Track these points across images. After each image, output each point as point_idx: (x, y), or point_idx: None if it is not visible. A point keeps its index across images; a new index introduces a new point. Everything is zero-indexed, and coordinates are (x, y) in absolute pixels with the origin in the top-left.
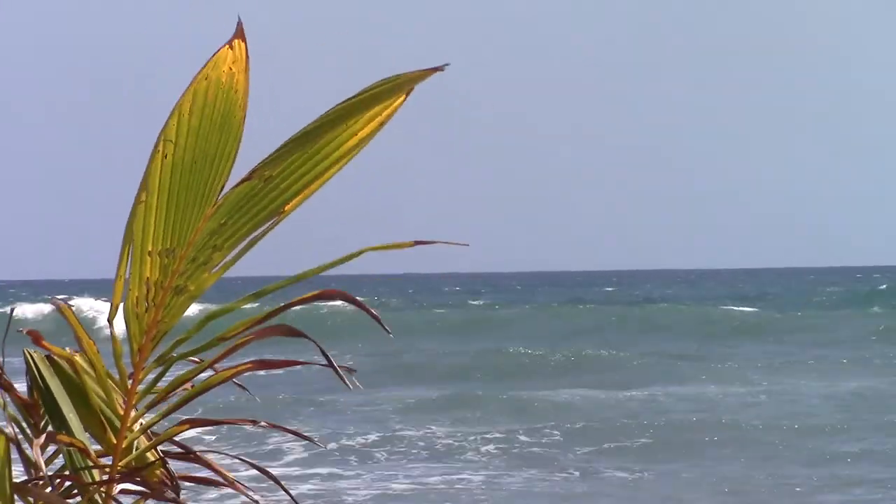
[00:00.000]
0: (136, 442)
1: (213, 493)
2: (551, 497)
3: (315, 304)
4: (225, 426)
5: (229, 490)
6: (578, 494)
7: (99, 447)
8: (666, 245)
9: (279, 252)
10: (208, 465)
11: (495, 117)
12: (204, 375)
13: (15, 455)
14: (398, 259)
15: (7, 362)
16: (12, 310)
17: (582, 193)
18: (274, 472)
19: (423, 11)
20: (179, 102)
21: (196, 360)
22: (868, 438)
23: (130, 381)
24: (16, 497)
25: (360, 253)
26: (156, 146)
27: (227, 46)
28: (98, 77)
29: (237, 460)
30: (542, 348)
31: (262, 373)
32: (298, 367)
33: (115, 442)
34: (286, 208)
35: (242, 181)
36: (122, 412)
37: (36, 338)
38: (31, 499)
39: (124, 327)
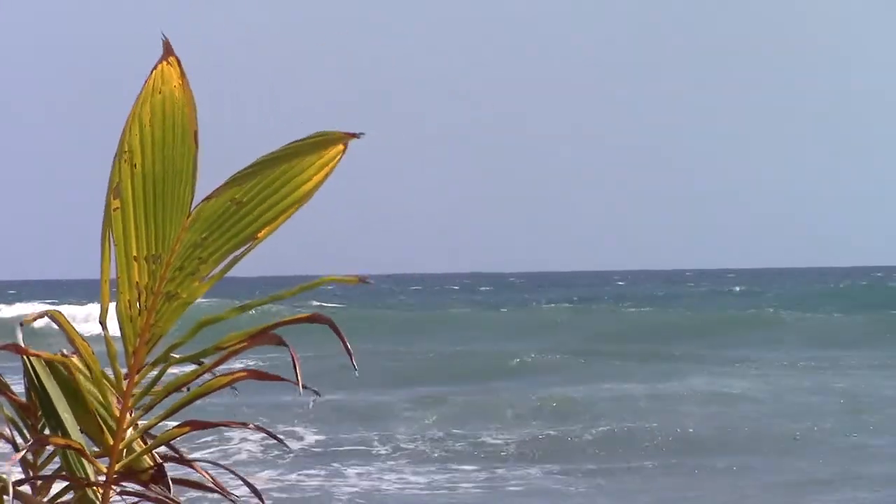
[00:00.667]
0: (133, 444)
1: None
2: (551, 497)
3: (315, 304)
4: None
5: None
6: (578, 494)
7: (97, 449)
8: (666, 245)
9: (279, 252)
10: (201, 472)
11: (495, 117)
12: (199, 380)
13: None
14: (398, 259)
15: (5, 365)
16: (21, 324)
17: (582, 193)
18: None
19: (423, 11)
20: (137, 112)
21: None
22: (868, 436)
23: (126, 383)
24: (5, 497)
25: (320, 283)
26: (119, 154)
27: (165, 63)
28: (98, 77)
29: (228, 471)
30: (542, 348)
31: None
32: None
33: (111, 443)
34: (259, 235)
35: (211, 196)
36: (118, 414)
37: (19, 350)
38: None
39: (118, 330)
